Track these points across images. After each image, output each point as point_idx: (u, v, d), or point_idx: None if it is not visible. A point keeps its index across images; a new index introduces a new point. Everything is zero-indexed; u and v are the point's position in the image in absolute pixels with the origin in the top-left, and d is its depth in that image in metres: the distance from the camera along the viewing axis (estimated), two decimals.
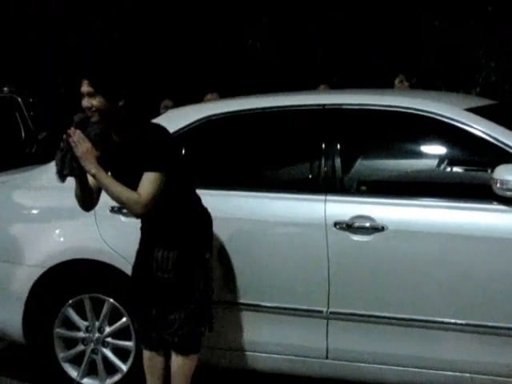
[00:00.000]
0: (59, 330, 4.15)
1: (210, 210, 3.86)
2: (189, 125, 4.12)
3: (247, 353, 3.92)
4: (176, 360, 3.64)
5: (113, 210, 4.03)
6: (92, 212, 4.04)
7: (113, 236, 4.03)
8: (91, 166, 3.41)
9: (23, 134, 8.86)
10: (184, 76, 12.23)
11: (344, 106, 3.97)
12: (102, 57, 7.63)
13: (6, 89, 9.12)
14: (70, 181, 4.16)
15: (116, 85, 3.49)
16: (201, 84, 9.10)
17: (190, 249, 3.59)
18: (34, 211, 4.30)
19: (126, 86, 3.53)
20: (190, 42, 13.15)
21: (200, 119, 4.12)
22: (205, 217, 3.73)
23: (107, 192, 3.45)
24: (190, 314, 3.57)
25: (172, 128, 4.10)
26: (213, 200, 3.92)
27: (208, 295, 3.65)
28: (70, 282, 4.11)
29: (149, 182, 3.40)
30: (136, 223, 3.95)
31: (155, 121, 4.41)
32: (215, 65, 12.70)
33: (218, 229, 3.84)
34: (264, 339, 3.89)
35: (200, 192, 3.93)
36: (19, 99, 9.05)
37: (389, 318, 3.64)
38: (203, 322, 3.65)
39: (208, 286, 3.65)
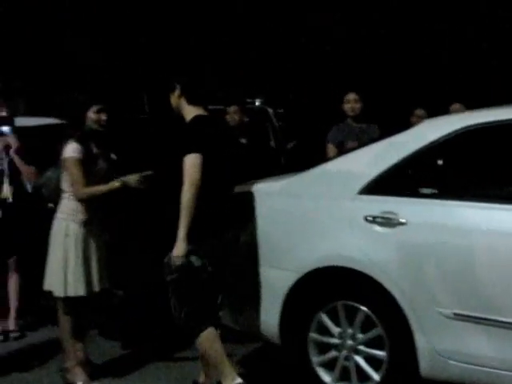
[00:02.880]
0: (313, 335, 4.26)
1: (464, 222, 3.80)
2: (447, 135, 4.05)
3: (487, 369, 3.76)
4: None
5: (367, 219, 4.07)
6: (347, 220, 4.14)
7: (367, 245, 4.06)
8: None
9: (273, 144, 9.21)
10: (434, 85, 12.11)
11: None
12: None
13: (258, 100, 9.57)
14: (329, 188, 4.29)
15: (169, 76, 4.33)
16: (447, 93, 8.95)
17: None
18: (291, 218, 4.43)
19: (176, 78, 4.29)
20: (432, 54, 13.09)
21: (459, 129, 4.03)
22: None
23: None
24: None
25: (430, 137, 4.09)
26: (470, 212, 3.84)
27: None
28: (324, 288, 4.21)
29: None
30: (391, 233, 3.98)
31: (409, 130, 4.43)
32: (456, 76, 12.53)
33: (475, 243, 3.78)
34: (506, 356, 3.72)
35: (458, 203, 3.88)
36: (270, 110, 9.44)
37: None
38: None
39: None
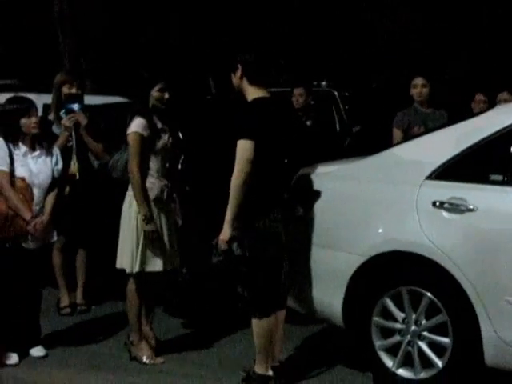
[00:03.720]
0: (377, 319, 4.25)
1: None
2: None
3: None
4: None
5: (434, 204, 4.03)
6: (414, 205, 4.11)
7: (434, 231, 4.01)
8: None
9: (338, 127, 9.16)
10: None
11: None
12: None
13: (324, 83, 9.53)
14: (396, 173, 4.26)
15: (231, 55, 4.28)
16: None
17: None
18: (357, 201, 4.40)
19: (238, 57, 4.22)
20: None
21: None
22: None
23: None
24: None
25: (503, 123, 4.02)
26: None
27: None
28: (389, 272, 4.19)
29: None
30: (459, 220, 3.94)
31: (481, 116, 4.37)
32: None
33: None
34: None
35: None
36: (336, 93, 9.38)
37: None
38: None
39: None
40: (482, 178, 4.03)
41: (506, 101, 6.32)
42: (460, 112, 5.61)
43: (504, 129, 4.01)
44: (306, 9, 14.70)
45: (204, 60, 14.47)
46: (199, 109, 7.85)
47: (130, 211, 4.64)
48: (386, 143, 5.21)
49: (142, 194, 4.60)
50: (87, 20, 14.24)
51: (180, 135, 5.58)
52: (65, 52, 13.77)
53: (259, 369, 4.27)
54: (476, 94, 6.99)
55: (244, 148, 4.03)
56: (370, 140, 7.09)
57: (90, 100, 6.60)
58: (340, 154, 5.72)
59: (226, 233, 4.07)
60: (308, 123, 7.01)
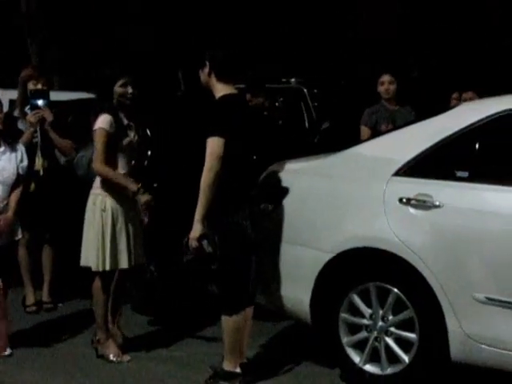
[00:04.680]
0: (344, 315, 4.26)
1: (500, 206, 3.80)
2: (486, 118, 4.00)
3: None
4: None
5: (401, 201, 4.05)
6: (381, 202, 4.12)
7: (401, 227, 4.03)
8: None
9: (307, 124, 9.15)
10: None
11: None
12: None
13: (293, 80, 9.51)
14: (364, 169, 4.26)
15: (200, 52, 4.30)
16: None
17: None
18: (325, 198, 4.40)
19: (206, 54, 4.23)
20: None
21: (498, 112, 3.98)
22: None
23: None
24: None
25: (468, 120, 4.05)
26: (507, 197, 3.82)
27: None
28: (356, 269, 4.20)
29: None
30: (425, 216, 3.96)
31: (447, 113, 4.40)
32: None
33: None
34: None
35: (494, 188, 3.86)
36: (305, 90, 9.37)
37: None
38: None
39: None
40: (448, 175, 4.05)
41: (470, 99, 6.38)
42: (426, 109, 5.65)
43: (469, 126, 4.04)
44: (276, 5, 14.72)
45: (174, 56, 14.41)
46: (168, 105, 7.80)
47: (94, 209, 4.60)
48: (355, 140, 5.22)
49: (119, 177, 4.59)
50: (55, 15, 14.09)
51: (148, 132, 5.54)
52: (32, 47, 13.63)
53: (227, 366, 4.27)
54: (455, 93, 7.04)
55: (214, 145, 4.03)
56: (339, 137, 7.10)
57: (57, 96, 6.54)
58: (309, 151, 5.71)
59: (196, 231, 4.06)
60: (280, 122, 7.01)
